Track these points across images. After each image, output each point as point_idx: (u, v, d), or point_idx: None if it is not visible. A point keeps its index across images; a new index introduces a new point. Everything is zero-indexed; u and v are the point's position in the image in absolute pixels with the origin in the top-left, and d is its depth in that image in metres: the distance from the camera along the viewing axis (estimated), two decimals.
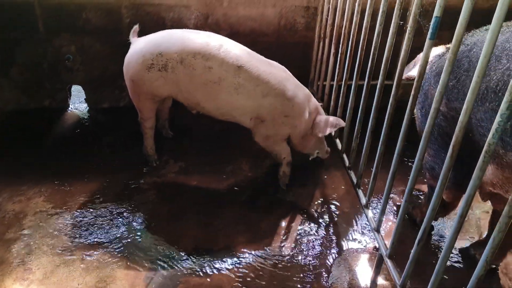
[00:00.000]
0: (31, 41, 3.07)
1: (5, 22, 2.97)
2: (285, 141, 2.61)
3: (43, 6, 2.95)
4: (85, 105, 3.43)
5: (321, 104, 2.75)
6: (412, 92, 1.57)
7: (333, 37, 2.72)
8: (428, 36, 1.43)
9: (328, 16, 2.87)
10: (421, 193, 2.61)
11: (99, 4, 2.99)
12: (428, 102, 1.83)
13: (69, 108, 3.40)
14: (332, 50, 2.74)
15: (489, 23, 1.16)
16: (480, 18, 1.83)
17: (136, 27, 2.49)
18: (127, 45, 2.69)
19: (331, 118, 2.52)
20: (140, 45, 2.42)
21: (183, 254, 2.11)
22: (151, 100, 2.54)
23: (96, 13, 3.02)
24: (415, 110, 1.93)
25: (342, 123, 2.48)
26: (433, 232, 2.33)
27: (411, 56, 1.81)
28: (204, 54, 2.28)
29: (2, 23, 2.97)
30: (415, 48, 1.86)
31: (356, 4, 2.25)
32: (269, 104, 2.40)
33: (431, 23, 1.40)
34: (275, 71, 2.42)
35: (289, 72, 2.52)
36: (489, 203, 2.52)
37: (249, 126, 2.54)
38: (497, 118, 1.11)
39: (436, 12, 1.38)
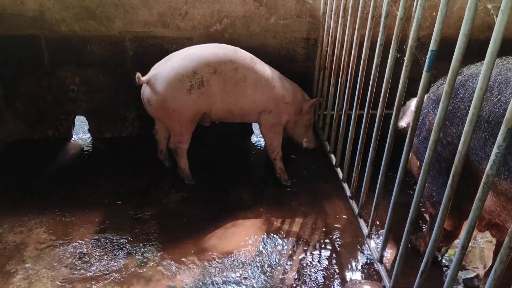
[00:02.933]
0: (36, 73, 3.13)
1: (11, 54, 3.04)
2: (281, 134, 2.98)
3: (48, 39, 3.03)
4: (88, 135, 3.47)
5: None
6: (411, 124, 1.60)
7: (333, 68, 2.78)
8: (425, 69, 1.47)
9: (327, 47, 2.93)
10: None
11: (103, 37, 3.06)
12: (426, 128, 1.87)
13: (73, 138, 3.44)
14: (332, 81, 2.79)
15: (484, 53, 1.18)
16: (476, 47, 1.88)
17: (139, 74, 2.50)
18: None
19: (313, 99, 3.01)
20: (168, 73, 2.48)
21: (186, 286, 2.09)
22: (192, 121, 2.68)
23: (101, 45, 3.09)
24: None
25: (320, 99, 3.05)
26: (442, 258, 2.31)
27: (409, 87, 1.84)
28: (230, 59, 2.59)
29: (8, 55, 3.04)
30: (413, 79, 1.90)
31: (355, 37, 2.30)
32: (276, 93, 2.78)
33: (427, 56, 1.44)
34: (273, 69, 2.86)
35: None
36: None
37: (256, 120, 2.89)
38: (494, 150, 1.13)
39: (432, 46, 1.41)
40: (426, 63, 1.44)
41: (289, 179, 2.99)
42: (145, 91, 2.58)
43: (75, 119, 3.49)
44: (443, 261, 2.32)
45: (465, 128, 1.26)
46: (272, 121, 2.87)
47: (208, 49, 2.61)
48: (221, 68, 2.55)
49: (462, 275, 2.22)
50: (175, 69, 2.48)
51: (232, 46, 2.71)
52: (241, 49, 2.73)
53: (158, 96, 2.50)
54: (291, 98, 2.89)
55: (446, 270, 2.26)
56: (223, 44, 2.73)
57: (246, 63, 2.65)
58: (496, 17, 1.12)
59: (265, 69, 2.77)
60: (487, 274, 2.13)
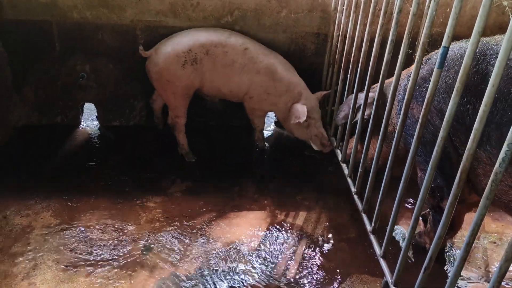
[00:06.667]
0: (47, 59, 3.15)
1: (22, 40, 3.06)
2: (264, 117, 3.22)
3: (60, 25, 3.04)
4: (96, 122, 3.49)
5: (322, 93, 3.11)
6: (420, 120, 1.59)
7: (342, 64, 2.77)
8: (436, 65, 1.46)
9: (337, 43, 2.92)
10: None
11: (115, 26, 3.07)
12: (413, 121, 1.95)
13: (81, 125, 3.46)
14: (341, 77, 2.79)
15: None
16: None
17: (141, 47, 2.85)
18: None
19: (299, 109, 2.90)
20: (167, 49, 2.79)
21: (188, 274, 2.11)
22: (186, 95, 2.91)
23: (112, 34, 3.10)
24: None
25: (302, 119, 2.85)
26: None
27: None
28: (221, 43, 2.81)
29: (19, 40, 3.06)
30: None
31: (366, 33, 2.29)
32: (259, 80, 2.91)
33: (440, 53, 1.43)
34: (270, 56, 2.94)
35: (285, 62, 3.03)
36: (496, 234, 2.52)
37: (242, 100, 3.06)
38: (504, 148, 1.12)
39: (445, 42, 1.41)
40: (438, 59, 1.43)
41: (265, 145, 3.33)
42: (148, 63, 2.87)
43: (84, 106, 3.50)
44: (447, 258, 2.32)
45: (475, 126, 1.25)
46: (254, 106, 3.05)
47: (206, 32, 2.87)
48: (212, 50, 2.79)
49: (464, 273, 2.22)
50: (173, 45, 2.79)
51: (229, 31, 2.93)
52: (238, 35, 2.92)
53: (156, 67, 2.81)
54: (278, 90, 2.96)
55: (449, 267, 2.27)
56: (222, 29, 2.95)
57: (236, 47, 2.82)
58: (511, 14, 1.11)
59: (258, 52, 2.89)
60: None
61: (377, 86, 2.11)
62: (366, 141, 2.22)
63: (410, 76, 1.74)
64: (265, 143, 3.33)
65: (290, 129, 3.13)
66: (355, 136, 2.40)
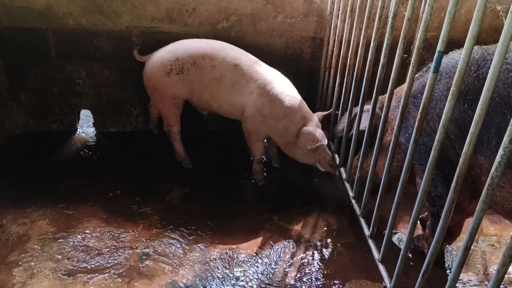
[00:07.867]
0: (42, 66, 3.14)
1: (17, 47, 3.05)
2: (262, 141, 2.89)
3: (55, 32, 3.04)
4: (93, 129, 3.48)
5: (322, 113, 2.91)
6: (416, 124, 1.59)
7: (338, 68, 2.77)
8: (432, 69, 1.46)
9: (333, 47, 2.93)
10: None
11: (110, 32, 3.07)
12: (411, 124, 1.96)
13: (77, 132, 3.44)
14: (337, 81, 2.79)
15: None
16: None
17: (135, 51, 2.88)
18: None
19: (315, 133, 2.62)
20: (157, 56, 2.78)
21: (187, 281, 2.10)
22: (174, 104, 2.86)
23: (107, 40, 3.10)
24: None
25: (324, 142, 2.59)
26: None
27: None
28: (210, 55, 2.68)
29: (14, 47, 3.05)
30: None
31: (361, 37, 2.30)
32: (253, 101, 2.68)
33: (435, 57, 1.43)
34: (267, 74, 2.71)
35: (285, 80, 2.78)
36: (494, 237, 2.51)
37: (240, 119, 2.82)
38: (500, 151, 1.12)
39: (439, 47, 1.41)
40: (433, 63, 1.44)
41: (263, 180, 2.97)
42: (143, 69, 2.88)
43: (80, 113, 3.49)
44: (446, 262, 2.32)
45: (470, 130, 1.25)
46: (249, 127, 2.79)
47: (198, 42, 2.80)
48: (199, 61, 2.68)
49: (462, 277, 2.22)
50: (162, 53, 2.77)
51: (223, 44, 2.76)
52: (233, 49, 2.74)
53: (145, 74, 2.84)
54: (275, 113, 2.67)
55: (448, 271, 2.26)
56: (215, 41, 2.81)
57: (226, 62, 2.66)
58: (505, 18, 1.11)
59: (252, 70, 2.66)
60: None
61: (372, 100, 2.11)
62: (362, 149, 2.21)
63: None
64: (264, 178, 3.00)
65: (294, 155, 2.83)
66: (352, 142, 2.40)
